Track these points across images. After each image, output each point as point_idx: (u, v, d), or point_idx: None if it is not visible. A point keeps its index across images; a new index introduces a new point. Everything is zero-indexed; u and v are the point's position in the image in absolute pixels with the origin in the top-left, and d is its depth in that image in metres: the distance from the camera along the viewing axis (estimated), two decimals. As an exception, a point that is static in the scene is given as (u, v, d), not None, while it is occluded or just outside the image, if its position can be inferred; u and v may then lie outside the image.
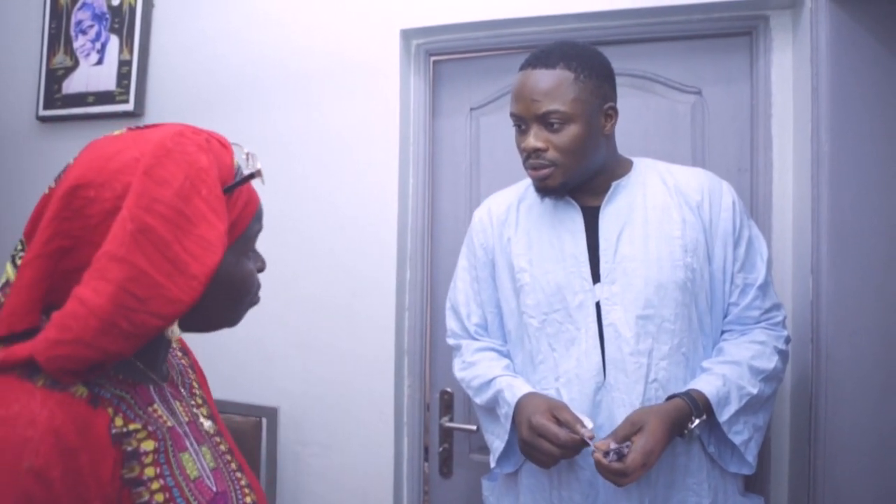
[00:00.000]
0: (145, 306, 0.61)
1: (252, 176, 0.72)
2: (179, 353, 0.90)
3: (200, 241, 0.64)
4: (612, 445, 1.08)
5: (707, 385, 1.18)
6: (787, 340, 1.30)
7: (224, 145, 0.73)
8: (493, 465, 1.34)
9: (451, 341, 1.47)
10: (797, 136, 1.55)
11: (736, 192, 1.63)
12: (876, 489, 1.37)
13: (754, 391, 1.20)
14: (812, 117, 1.42)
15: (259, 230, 0.78)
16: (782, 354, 1.26)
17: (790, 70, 1.57)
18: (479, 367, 1.35)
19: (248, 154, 0.73)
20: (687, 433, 1.15)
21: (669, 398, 1.18)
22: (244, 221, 0.73)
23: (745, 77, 1.64)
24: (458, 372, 1.41)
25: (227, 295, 0.74)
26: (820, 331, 1.40)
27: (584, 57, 1.21)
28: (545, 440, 1.13)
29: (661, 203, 1.27)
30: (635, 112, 1.70)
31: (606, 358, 1.22)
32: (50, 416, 0.59)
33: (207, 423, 0.81)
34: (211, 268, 0.64)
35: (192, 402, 0.83)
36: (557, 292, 1.26)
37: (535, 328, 1.28)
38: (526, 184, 1.40)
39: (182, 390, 0.82)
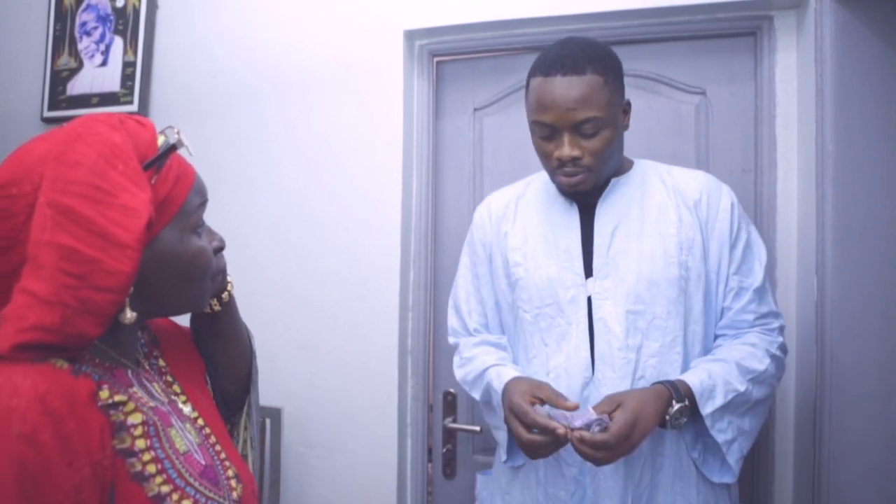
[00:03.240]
0: (87, 282, 0.62)
1: (173, 148, 0.72)
2: (139, 332, 0.90)
3: (124, 210, 0.64)
4: (593, 416, 1.05)
5: (691, 376, 1.16)
6: (783, 348, 1.26)
7: (142, 124, 0.73)
8: (503, 457, 1.33)
9: (451, 340, 1.46)
10: (801, 136, 1.54)
11: (740, 192, 1.62)
12: (882, 493, 1.36)
13: (741, 388, 1.17)
14: (816, 118, 1.42)
15: (201, 204, 0.78)
16: (776, 359, 1.23)
17: (794, 70, 1.57)
18: (474, 363, 1.35)
19: (177, 131, 0.73)
20: (669, 420, 1.11)
21: (652, 385, 1.16)
22: (179, 195, 0.73)
23: (749, 77, 1.63)
24: (457, 370, 1.41)
25: (179, 273, 0.75)
26: (825, 332, 1.39)
27: (607, 57, 1.20)
28: (518, 422, 1.11)
29: (659, 201, 1.26)
30: (639, 112, 1.70)
31: (595, 353, 1.21)
32: (33, 384, 0.60)
33: (187, 409, 0.82)
34: (139, 232, 0.65)
35: (167, 388, 0.84)
36: (549, 287, 1.26)
37: (529, 322, 1.28)
38: (527, 182, 1.40)
39: (154, 374, 0.83)
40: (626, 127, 1.25)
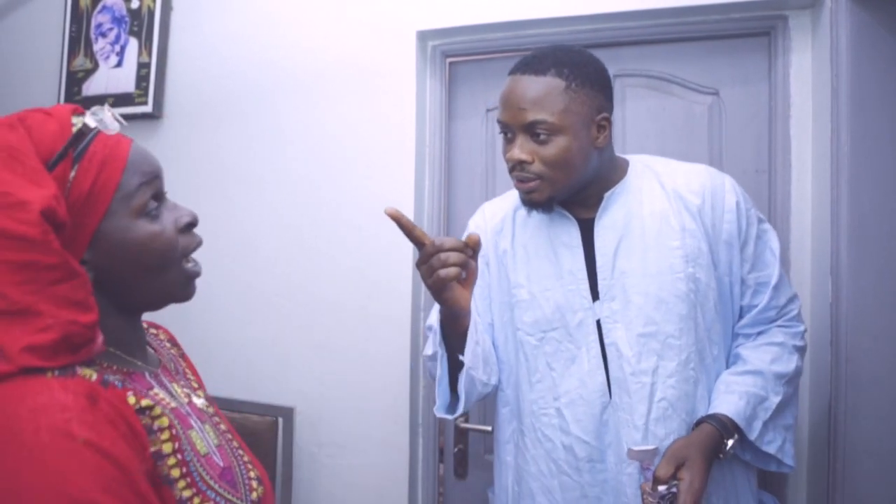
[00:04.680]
0: (37, 282, 0.62)
1: (78, 137, 0.68)
2: (168, 345, 0.91)
3: (21, 206, 0.61)
4: (661, 488, 1.05)
5: (730, 406, 1.15)
6: (805, 335, 1.26)
7: (49, 114, 0.69)
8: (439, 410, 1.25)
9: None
10: (816, 137, 1.53)
11: (754, 193, 1.62)
12: (897, 494, 1.35)
13: (778, 399, 1.17)
14: (831, 118, 1.41)
15: (145, 183, 0.72)
16: (801, 351, 1.24)
17: (809, 71, 1.56)
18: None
19: (93, 111, 0.70)
20: (722, 457, 1.13)
21: (697, 423, 1.15)
22: (109, 181, 0.68)
23: (763, 78, 1.63)
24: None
25: (134, 264, 0.71)
26: (840, 333, 1.39)
27: (578, 64, 1.14)
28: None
29: (659, 210, 1.21)
30: (652, 113, 1.70)
31: (611, 378, 1.19)
32: (75, 396, 0.61)
33: (200, 402, 0.82)
34: (31, 223, 0.61)
35: (186, 384, 0.85)
36: (557, 311, 1.22)
37: (533, 346, 1.24)
38: None
39: (176, 375, 0.84)
40: (598, 144, 1.16)
